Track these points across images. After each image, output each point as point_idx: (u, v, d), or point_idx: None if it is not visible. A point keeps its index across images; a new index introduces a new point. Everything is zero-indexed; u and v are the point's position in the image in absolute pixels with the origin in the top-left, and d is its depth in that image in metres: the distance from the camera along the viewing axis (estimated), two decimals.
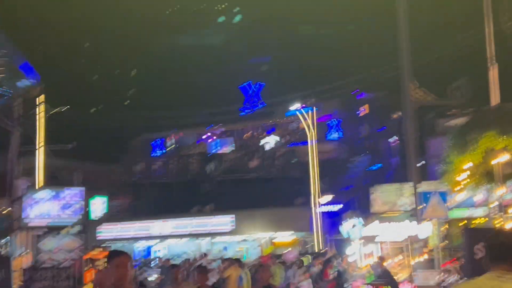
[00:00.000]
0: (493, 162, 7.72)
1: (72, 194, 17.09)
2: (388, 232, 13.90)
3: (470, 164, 8.02)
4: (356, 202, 21.64)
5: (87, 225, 21.21)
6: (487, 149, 7.44)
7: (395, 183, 20.86)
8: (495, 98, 10.40)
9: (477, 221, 17.99)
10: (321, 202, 21.98)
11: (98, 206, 22.11)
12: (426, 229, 12.57)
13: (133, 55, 39.87)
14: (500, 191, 8.95)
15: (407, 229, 12.94)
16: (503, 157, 7.41)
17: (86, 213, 21.03)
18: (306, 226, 22.36)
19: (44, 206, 16.83)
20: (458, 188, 9.93)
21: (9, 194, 16.94)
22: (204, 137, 27.52)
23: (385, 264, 12.05)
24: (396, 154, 23.85)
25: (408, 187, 19.84)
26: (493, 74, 10.79)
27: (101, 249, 14.65)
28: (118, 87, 37.54)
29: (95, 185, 22.65)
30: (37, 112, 18.85)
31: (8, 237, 17.13)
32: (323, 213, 21.83)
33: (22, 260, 13.93)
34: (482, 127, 7.42)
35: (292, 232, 23.38)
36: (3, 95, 17.59)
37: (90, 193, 21.52)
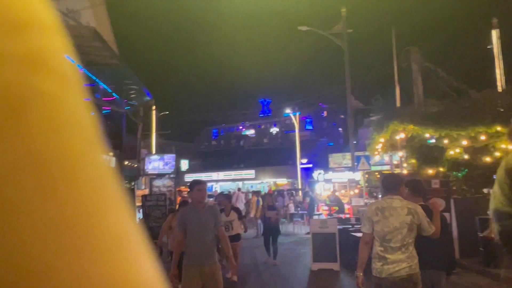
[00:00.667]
0: (397, 137, 10.48)
1: (170, 157, 21.04)
2: (337, 177, 21.96)
3: (382, 140, 11.09)
4: (320, 163, 32.32)
5: (179, 174, 36.83)
6: (392, 131, 10.26)
7: (341, 153, 26.93)
8: (398, 103, 13.13)
9: (385, 171, 22.87)
10: (302, 162, 33.17)
11: (184, 164, 36.95)
12: (358, 176, 17.49)
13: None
14: (399, 154, 12.28)
15: (348, 175, 18.67)
16: (401, 135, 10.22)
17: (178, 168, 35.81)
18: (294, 175, 32.63)
19: (155, 163, 21.44)
20: (376, 153, 12.86)
21: (137, 157, 21.85)
22: (240, 127, 45.21)
23: (336, 194, 16.67)
24: (340, 137, 39.31)
25: (347, 155, 28.03)
26: (397, 91, 13.68)
27: (185, 186, 20.85)
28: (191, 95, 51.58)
29: (182, 154, 37.56)
30: (152, 114, 27.02)
31: (136, 180, 22.09)
32: (302, 169, 32.60)
33: (143, 192, 18.36)
34: (391, 119, 10.29)
35: (285, 178, 37.05)
36: (132, 105, 24.00)
37: (179, 157, 37.51)
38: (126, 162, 22.62)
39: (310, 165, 35.54)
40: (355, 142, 31.02)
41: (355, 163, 17.21)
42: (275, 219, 9.21)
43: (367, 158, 17.22)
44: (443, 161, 11.82)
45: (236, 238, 7.13)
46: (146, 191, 17.77)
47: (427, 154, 11.88)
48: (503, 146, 9.79)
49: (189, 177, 36.75)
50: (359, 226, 7.37)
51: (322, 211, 15.84)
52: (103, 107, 22.27)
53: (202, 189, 4.26)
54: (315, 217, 14.18)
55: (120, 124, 23.92)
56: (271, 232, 9.11)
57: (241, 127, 44.46)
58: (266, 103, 46.08)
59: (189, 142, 43.40)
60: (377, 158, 15.42)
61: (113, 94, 22.55)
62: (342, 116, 39.57)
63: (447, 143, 10.43)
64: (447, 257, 4.17)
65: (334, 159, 28.20)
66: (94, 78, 20.27)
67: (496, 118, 9.48)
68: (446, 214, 5.21)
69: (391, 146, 12.73)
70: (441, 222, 3.86)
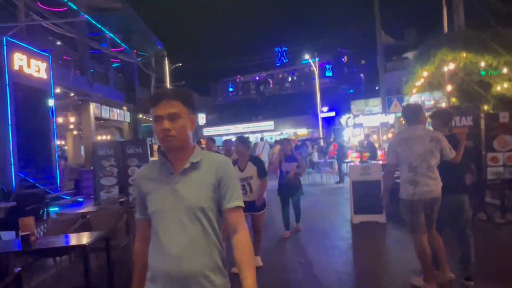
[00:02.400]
0: (445, 69, 8.79)
1: None
2: (368, 120, 20.50)
3: (425, 73, 9.27)
4: (341, 111, 31.66)
5: (196, 128, 37.09)
6: (440, 61, 8.54)
7: (362, 100, 28.68)
8: (445, 28, 11.16)
9: None
10: (323, 111, 32.95)
11: (202, 118, 37.05)
12: (391, 118, 16.53)
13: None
14: (437, 94, 11.50)
15: (379, 119, 16.87)
16: (450, 66, 8.74)
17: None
18: (315, 125, 33.81)
19: None
20: (414, 92, 11.23)
21: None
22: (256, 78, 43.84)
23: (370, 139, 14.48)
24: (362, 84, 37.78)
25: (371, 101, 27.77)
26: (445, 13, 11.65)
27: (203, 140, 22.71)
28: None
29: (199, 108, 37.48)
30: (165, 64, 25.74)
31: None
32: (323, 118, 32.68)
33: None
34: (439, 47, 8.51)
35: (306, 128, 36.91)
36: (144, 56, 22.74)
37: (196, 112, 37.70)
38: (140, 116, 22.60)
39: (332, 113, 34.78)
40: (377, 88, 30.64)
41: (387, 105, 15.97)
42: (295, 175, 6.61)
43: (400, 100, 15.83)
44: (488, 99, 10.51)
45: (255, 206, 4.90)
46: None
47: (470, 92, 10.61)
48: None
49: (207, 131, 38.11)
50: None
51: (351, 158, 14.63)
52: (112, 59, 21.74)
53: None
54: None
55: (132, 76, 23.15)
56: (289, 191, 6.70)
57: (257, 78, 42.90)
58: (282, 51, 43.90)
59: (206, 96, 42.33)
60: (414, 98, 14.29)
61: (122, 44, 21.79)
62: (364, 62, 37.57)
63: (507, 72, 8.86)
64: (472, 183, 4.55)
65: (357, 106, 27.64)
66: (99, 26, 19.30)
67: None
68: None
69: (429, 84, 11.24)
70: (464, 151, 4.05)
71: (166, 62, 26.03)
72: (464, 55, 8.48)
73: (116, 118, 19.19)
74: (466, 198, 4.05)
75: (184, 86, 37.91)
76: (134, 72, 21.82)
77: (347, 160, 14.32)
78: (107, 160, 7.42)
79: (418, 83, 10.66)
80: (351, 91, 37.80)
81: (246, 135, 6.83)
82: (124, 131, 21.35)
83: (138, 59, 22.60)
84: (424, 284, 3.87)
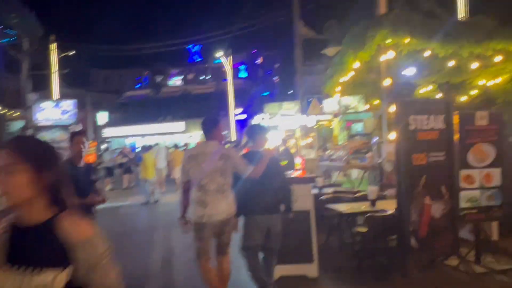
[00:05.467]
0: (381, 58, 7.19)
1: (69, 104, 18.44)
2: (284, 123, 19.27)
3: (357, 64, 7.59)
4: (255, 113, 30.17)
5: (96, 128, 31.87)
6: (378, 46, 6.82)
7: (277, 102, 28.75)
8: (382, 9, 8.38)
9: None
10: (236, 113, 31.35)
11: (103, 117, 32.78)
12: (312, 121, 15.18)
13: None
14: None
15: (298, 120, 14.77)
16: (390, 54, 7.00)
17: (94, 121, 29.81)
18: (226, 127, 29.07)
19: (48, 112, 18.83)
20: (338, 90, 10.01)
21: (23, 103, 18.13)
22: (167, 76, 40.25)
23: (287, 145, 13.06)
24: (276, 87, 36.79)
25: (285, 104, 30.06)
26: None
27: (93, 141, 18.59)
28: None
29: (101, 105, 32.83)
30: (51, 49, 20.84)
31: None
32: (236, 120, 30.75)
33: None
34: (375, 29, 6.69)
35: None
36: (13, 35, 18.46)
37: (97, 110, 32.27)
38: (7, 111, 18.05)
39: (245, 116, 32.89)
40: (291, 92, 29.45)
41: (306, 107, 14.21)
42: None
43: (320, 100, 14.11)
44: None
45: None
46: None
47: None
48: None
49: (108, 132, 33.98)
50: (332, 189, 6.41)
51: None
52: None
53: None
54: None
55: None
56: None
57: (168, 76, 39.50)
58: (195, 50, 41.06)
59: (109, 92, 37.56)
60: (336, 99, 12.75)
61: None
62: (278, 65, 36.35)
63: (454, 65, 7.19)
64: (283, 202, 4.03)
65: (271, 109, 27.18)
66: None
67: None
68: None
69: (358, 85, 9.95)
70: (273, 167, 3.85)
71: (53, 47, 21.38)
72: (408, 40, 6.57)
73: None
74: (277, 219, 3.87)
75: (88, 84, 32.99)
76: None
77: None
78: None
79: (346, 78, 8.69)
80: (266, 93, 36.34)
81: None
82: None
83: (5, 39, 17.96)
84: None
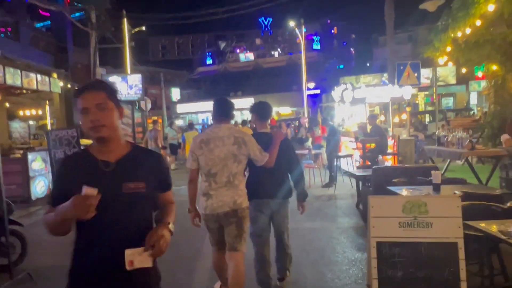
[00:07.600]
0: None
1: (135, 78, 16.98)
2: (373, 94, 12.76)
3: (469, 30, 6.82)
4: (329, 88, 26.61)
5: (170, 105, 31.96)
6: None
7: (353, 76, 28.48)
8: None
9: None
10: (309, 88, 29.33)
11: (175, 93, 33.14)
12: (407, 93, 11.82)
13: None
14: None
15: (390, 92, 11.98)
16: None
17: (168, 97, 31.35)
18: (299, 103, 30.51)
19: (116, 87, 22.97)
20: (445, 53, 8.79)
21: (92, 78, 16.45)
22: (237, 51, 39.07)
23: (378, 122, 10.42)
24: (352, 60, 34.07)
25: (363, 77, 27.85)
26: None
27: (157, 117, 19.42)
28: None
29: (173, 82, 33.82)
30: (123, 23, 19.61)
31: None
32: (309, 95, 29.23)
33: None
34: None
35: (289, 107, 33.39)
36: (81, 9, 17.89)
37: (170, 86, 32.46)
38: (76, 87, 17.83)
39: (318, 91, 31.81)
40: (368, 64, 29.32)
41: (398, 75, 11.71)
42: None
43: (415, 67, 11.61)
44: None
45: None
46: None
47: None
48: None
49: (182, 108, 34.55)
50: None
51: (348, 151, 10.48)
52: (40, 11, 16.96)
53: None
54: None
55: (64, 34, 18.31)
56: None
57: (238, 51, 38.34)
58: (267, 22, 39.18)
59: (181, 69, 37.61)
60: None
61: None
62: (354, 36, 33.34)
63: None
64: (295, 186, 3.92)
65: (345, 81, 24.10)
66: None
67: None
68: None
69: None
70: (282, 152, 3.59)
71: (125, 21, 20.95)
72: None
73: (34, 87, 14.39)
74: (282, 204, 3.76)
75: (160, 62, 33.19)
76: (67, 29, 16.90)
77: (341, 154, 10.06)
78: None
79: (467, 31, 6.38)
80: (341, 66, 33.74)
81: None
82: (54, 104, 16.63)
83: (76, 13, 17.65)
84: None
